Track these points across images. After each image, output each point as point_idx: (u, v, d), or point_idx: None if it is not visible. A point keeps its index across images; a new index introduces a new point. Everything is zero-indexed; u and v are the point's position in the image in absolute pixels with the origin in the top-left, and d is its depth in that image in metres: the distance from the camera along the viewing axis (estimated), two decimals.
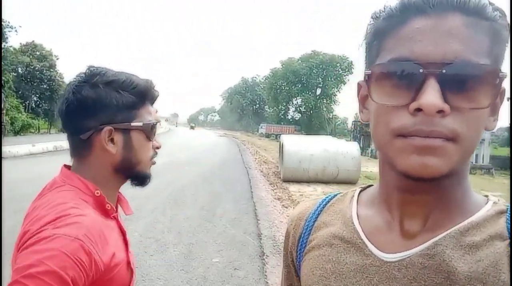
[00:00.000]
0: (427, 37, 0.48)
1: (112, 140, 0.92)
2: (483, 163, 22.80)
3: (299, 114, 59.81)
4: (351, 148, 11.73)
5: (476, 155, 23.21)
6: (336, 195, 0.70)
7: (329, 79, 53.46)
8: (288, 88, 55.22)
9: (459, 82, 0.47)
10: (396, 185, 0.55)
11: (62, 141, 17.86)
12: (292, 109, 61.25)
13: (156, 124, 0.99)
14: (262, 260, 4.45)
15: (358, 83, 0.61)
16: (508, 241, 0.50)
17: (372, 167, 16.53)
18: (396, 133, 0.49)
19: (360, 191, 0.66)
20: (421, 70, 0.47)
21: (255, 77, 77.57)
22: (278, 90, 56.25)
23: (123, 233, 0.97)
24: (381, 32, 0.53)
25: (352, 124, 37.47)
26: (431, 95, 0.46)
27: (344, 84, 54.25)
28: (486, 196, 0.59)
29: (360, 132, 32.21)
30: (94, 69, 0.94)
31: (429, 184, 0.51)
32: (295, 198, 8.81)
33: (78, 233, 0.75)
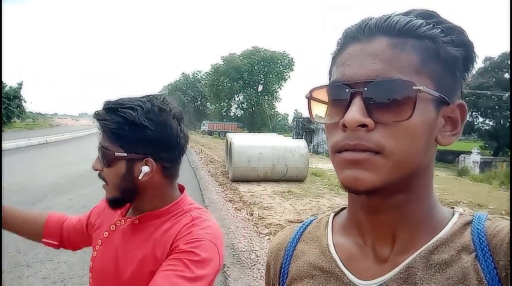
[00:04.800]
0: (354, 61, 0.54)
1: None
2: None
3: (242, 111, 59.88)
4: (299, 145, 11.77)
5: None
6: (312, 222, 0.71)
7: (271, 75, 54.06)
8: (230, 84, 54.93)
9: (380, 98, 0.51)
10: (359, 206, 0.58)
11: None
12: (234, 106, 61.16)
13: None
14: (224, 273, 4.16)
15: None
16: (474, 254, 0.52)
17: (316, 163, 16.83)
18: (334, 150, 0.53)
19: (335, 215, 0.68)
20: (347, 90, 0.52)
21: (196, 74, 76.30)
22: (220, 86, 55.78)
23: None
24: (332, 61, 0.60)
25: (294, 120, 38.20)
26: (352, 112, 0.50)
27: (285, 81, 55.15)
28: (452, 207, 0.60)
29: (302, 129, 32.88)
30: None
31: (383, 202, 0.54)
32: (246, 198, 8.61)
33: None
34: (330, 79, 0.60)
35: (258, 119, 55.52)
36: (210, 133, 51.92)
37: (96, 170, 1.02)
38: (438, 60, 0.53)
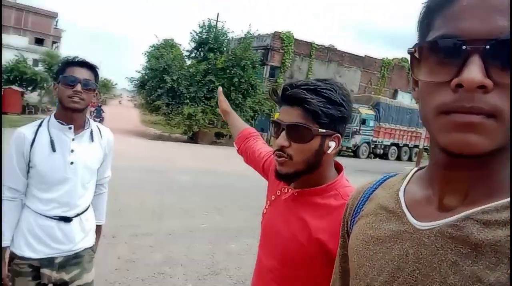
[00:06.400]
0: (473, 14, 0.48)
1: None
2: None
3: None
4: None
5: None
6: (397, 174, 0.72)
7: None
8: None
9: (503, 58, 0.46)
10: (439, 161, 0.56)
11: None
12: None
13: (273, 123, 1.16)
14: None
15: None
16: None
17: None
18: (439, 111, 0.50)
19: (417, 170, 0.67)
20: (464, 47, 0.48)
21: None
22: None
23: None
24: (431, 11, 0.54)
25: None
26: (472, 71, 0.46)
27: None
28: None
29: None
30: None
31: (471, 161, 0.51)
32: None
33: None
34: (425, 32, 0.55)
35: None
36: None
37: (283, 146, 1.09)
38: None
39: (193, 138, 23.20)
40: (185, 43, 25.92)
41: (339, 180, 1.14)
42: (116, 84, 64.01)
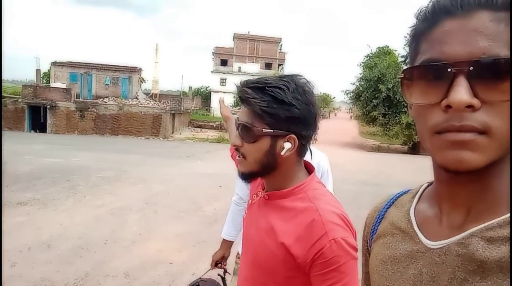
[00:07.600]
0: (454, 38, 0.51)
1: None
2: None
3: None
4: None
5: None
6: (408, 191, 0.74)
7: None
8: None
9: (487, 77, 0.49)
10: (440, 178, 0.60)
11: None
12: None
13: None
14: None
15: None
16: None
17: None
18: (432, 131, 0.52)
19: (427, 186, 0.70)
20: (449, 70, 0.50)
21: None
22: None
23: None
24: (417, 34, 0.57)
25: None
26: (458, 92, 0.49)
27: None
28: None
29: None
30: None
31: (469, 176, 0.53)
32: None
33: None
34: (413, 55, 0.57)
35: None
36: None
37: (236, 145, 1.09)
38: None
39: (414, 149, 21.84)
40: (401, 49, 24.78)
41: (307, 182, 1.11)
42: (334, 97, 67.30)
